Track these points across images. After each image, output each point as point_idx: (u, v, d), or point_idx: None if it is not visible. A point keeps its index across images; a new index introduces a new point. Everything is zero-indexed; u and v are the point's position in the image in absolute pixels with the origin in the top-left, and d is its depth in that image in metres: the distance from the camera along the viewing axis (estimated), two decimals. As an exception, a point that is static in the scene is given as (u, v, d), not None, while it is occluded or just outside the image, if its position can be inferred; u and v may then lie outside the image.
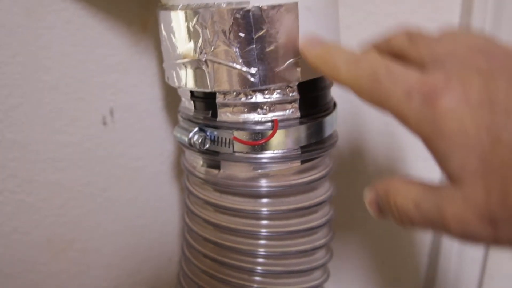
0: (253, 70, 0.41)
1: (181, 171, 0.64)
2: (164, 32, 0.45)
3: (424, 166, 0.64)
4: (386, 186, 0.34)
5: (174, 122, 0.61)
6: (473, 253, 0.71)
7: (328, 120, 0.46)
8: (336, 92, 0.49)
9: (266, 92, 0.42)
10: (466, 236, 0.29)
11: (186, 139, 0.45)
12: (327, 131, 0.47)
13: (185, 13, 0.41)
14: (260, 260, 0.47)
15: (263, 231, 0.47)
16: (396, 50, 0.35)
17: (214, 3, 0.40)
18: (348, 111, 0.66)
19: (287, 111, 0.44)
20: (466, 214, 0.28)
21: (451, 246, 0.71)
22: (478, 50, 0.31)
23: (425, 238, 0.74)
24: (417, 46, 0.34)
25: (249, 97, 0.43)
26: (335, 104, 0.49)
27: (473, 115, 0.28)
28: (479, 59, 0.30)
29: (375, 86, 0.32)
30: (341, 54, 0.35)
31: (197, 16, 0.40)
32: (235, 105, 0.43)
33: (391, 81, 0.31)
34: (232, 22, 0.39)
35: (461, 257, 0.71)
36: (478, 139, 0.28)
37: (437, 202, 0.30)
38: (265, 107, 0.43)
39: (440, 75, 0.30)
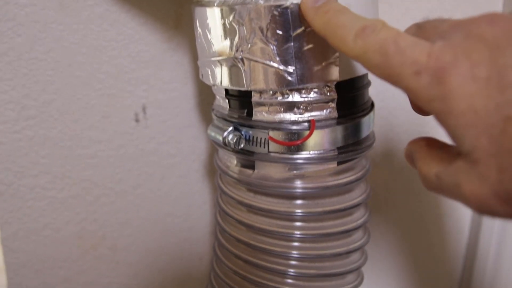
0: (291, 69, 0.40)
1: (213, 169, 0.64)
2: (199, 29, 0.44)
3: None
4: (415, 149, 0.35)
5: (206, 120, 0.61)
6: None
7: (365, 120, 0.45)
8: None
9: (303, 91, 0.41)
10: (484, 211, 0.29)
11: (221, 138, 0.44)
12: (364, 132, 0.46)
13: (221, 9, 0.40)
14: (293, 262, 0.47)
15: (297, 233, 0.46)
16: None
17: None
18: (381, 111, 0.65)
19: (324, 111, 0.43)
20: (482, 191, 0.28)
21: (487, 248, 0.70)
22: (480, 19, 0.30)
23: (460, 240, 0.73)
24: (425, 29, 0.34)
25: (285, 96, 0.42)
26: (372, 104, 0.48)
27: (482, 93, 0.27)
28: (483, 27, 0.29)
29: (384, 61, 0.31)
30: (350, 24, 0.34)
31: (233, 13, 0.39)
32: (271, 104, 0.42)
33: (399, 57, 0.30)
34: (270, 19, 0.38)
35: (498, 260, 0.69)
36: (488, 118, 0.27)
37: (455, 177, 0.30)
38: (302, 107, 0.42)
39: (447, 50, 0.29)
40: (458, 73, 0.28)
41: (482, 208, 0.29)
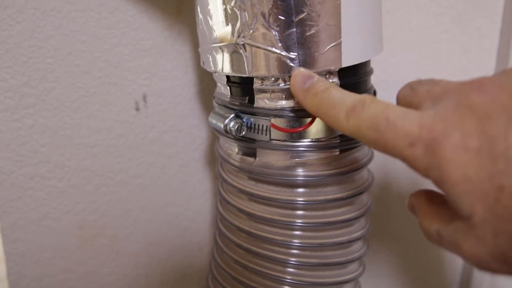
0: (293, 55, 0.39)
1: (213, 158, 0.63)
2: (200, 15, 0.44)
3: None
4: (416, 203, 0.36)
5: (207, 108, 0.61)
6: None
7: (368, 108, 0.45)
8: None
9: (305, 77, 0.41)
10: (483, 269, 0.31)
11: (222, 125, 0.44)
12: (367, 120, 0.45)
13: (223, -5, 0.40)
14: (295, 251, 0.46)
15: (298, 222, 0.45)
16: (401, 101, 0.37)
17: (254, -16, 0.38)
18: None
19: (327, 98, 0.42)
20: (480, 251, 0.30)
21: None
22: (470, 86, 0.31)
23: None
24: (417, 91, 0.35)
25: (287, 82, 0.41)
26: (375, 92, 0.48)
27: (474, 163, 0.28)
28: (473, 95, 0.30)
29: (378, 136, 0.32)
30: (339, 103, 0.35)
31: (235, -2, 0.39)
32: (273, 91, 0.42)
33: (392, 131, 0.31)
34: (272, 5, 0.38)
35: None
36: (482, 187, 0.28)
37: (454, 236, 0.31)
38: (304, 93, 0.42)
39: (438, 120, 0.30)
40: (450, 144, 0.29)
41: (481, 266, 0.30)
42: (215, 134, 0.50)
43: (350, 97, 0.35)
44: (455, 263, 0.74)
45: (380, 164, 0.66)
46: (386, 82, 0.63)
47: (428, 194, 0.36)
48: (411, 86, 0.36)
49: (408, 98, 0.36)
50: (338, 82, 0.42)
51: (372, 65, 0.47)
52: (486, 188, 0.28)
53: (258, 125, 0.43)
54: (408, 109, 0.32)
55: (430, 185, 0.38)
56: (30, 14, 0.50)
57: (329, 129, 0.43)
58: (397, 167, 0.68)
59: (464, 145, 0.29)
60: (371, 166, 0.49)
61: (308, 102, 0.38)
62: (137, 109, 0.57)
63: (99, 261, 0.62)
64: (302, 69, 0.39)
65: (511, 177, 0.27)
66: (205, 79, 0.59)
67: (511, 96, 0.29)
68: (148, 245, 0.64)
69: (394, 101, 0.64)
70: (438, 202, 0.34)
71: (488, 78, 0.31)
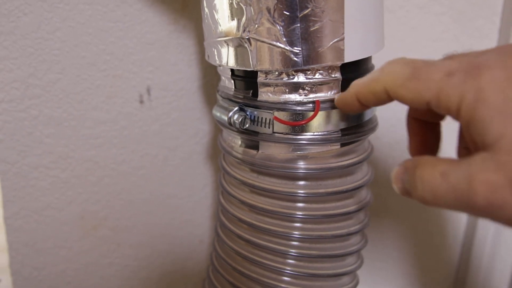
0: (297, 50, 0.40)
1: (215, 151, 0.64)
2: (206, 9, 0.44)
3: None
4: (416, 160, 0.33)
5: (210, 102, 0.61)
6: (507, 244, 0.70)
7: (368, 103, 0.46)
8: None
9: (308, 72, 0.42)
10: (492, 202, 0.28)
11: (226, 118, 0.44)
12: (368, 115, 0.46)
13: (229, -11, 0.41)
14: (295, 243, 0.47)
15: (299, 214, 0.46)
16: None
17: (260, -21, 0.39)
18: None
19: (329, 92, 0.43)
20: (497, 178, 0.28)
21: (485, 236, 0.70)
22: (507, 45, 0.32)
23: (458, 227, 0.73)
24: (455, 57, 0.35)
25: (291, 77, 0.42)
26: (376, 88, 0.48)
27: None
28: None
29: (413, 73, 0.33)
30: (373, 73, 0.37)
31: (241, -8, 0.40)
32: (276, 85, 0.43)
33: (429, 66, 0.32)
34: (277, 0, 0.39)
35: (495, 249, 0.70)
36: None
37: (466, 170, 0.29)
38: (307, 88, 0.42)
39: (481, 56, 0.31)
40: (493, 71, 0.29)
41: (492, 198, 0.28)
42: (219, 126, 0.50)
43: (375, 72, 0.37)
44: (452, 259, 0.75)
45: (379, 160, 0.67)
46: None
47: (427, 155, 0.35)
48: (448, 55, 0.35)
49: None
50: (340, 77, 0.43)
51: (373, 62, 0.47)
52: None
53: (262, 118, 0.44)
54: None
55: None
56: (37, 6, 0.50)
57: (331, 123, 0.43)
58: (396, 162, 0.69)
59: (507, 75, 0.29)
60: (370, 161, 0.50)
61: (350, 90, 0.39)
62: (141, 101, 0.58)
63: (100, 252, 0.63)
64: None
65: None
66: (209, 73, 0.60)
67: None
68: (149, 237, 0.65)
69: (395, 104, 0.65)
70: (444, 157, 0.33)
71: None
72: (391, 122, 0.67)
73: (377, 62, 0.48)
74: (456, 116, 0.31)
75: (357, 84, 0.38)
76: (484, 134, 0.29)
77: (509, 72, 0.29)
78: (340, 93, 0.41)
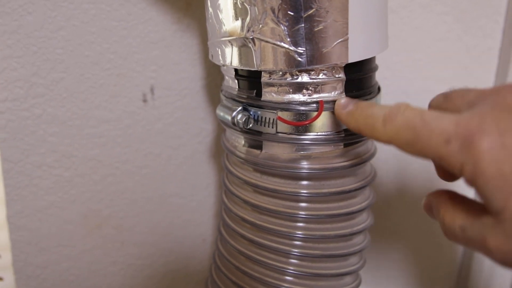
0: (301, 50, 0.40)
1: (218, 151, 0.64)
2: (210, 9, 0.44)
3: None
4: (437, 201, 0.37)
5: (213, 101, 0.61)
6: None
7: (372, 103, 0.46)
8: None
9: (312, 72, 0.42)
10: (508, 265, 0.31)
11: (229, 118, 0.44)
12: (371, 115, 0.46)
13: (234, -11, 0.41)
14: (298, 242, 0.47)
15: (302, 214, 0.46)
16: (435, 109, 0.38)
17: (264, -21, 0.39)
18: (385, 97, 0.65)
19: (333, 92, 0.43)
20: (506, 247, 0.30)
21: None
22: (505, 89, 0.33)
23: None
24: (451, 98, 0.37)
25: (295, 77, 0.42)
26: (379, 89, 0.48)
27: (510, 161, 0.29)
28: (509, 97, 0.32)
29: (413, 136, 0.33)
30: (377, 113, 0.37)
31: (245, -8, 0.40)
32: (280, 85, 0.43)
33: (428, 130, 0.32)
34: (282, 0, 0.39)
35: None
36: None
37: (481, 231, 0.32)
38: (310, 88, 0.42)
39: (475, 117, 0.31)
40: (487, 140, 0.30)
41: (506, 262, 0.31)
42: (222, 126, 0.50)
43: (386, 106, 0.37)
44: (454, 259, 0.75)
45: (382, 160, 0.67)
46: (390, 80, 0.64)
47: (450, 193, 0.37)
48: (445, 95, 0.38)
49: (443, 106, 0.37)
50: (344, 77, 0.43)
51: (376, 62, 0.47)
52: None
53: (265, 118, 0.44)
54: (444, 112, 0.33)
55: (440, 185, 0.39)
56: (41, 5, 0.50)
57: (335, 123, 0.43)
58: (398, 163, 0.69)
59: (501, 142, 0.29)
60: (373, 162, 0.50)
61: (349, 119, 0.40)
62: (145, 100, 0.58)
63: (103, 251, 0.63)
64: (344, 97, 0.42)
65: None
66: (212, 73, 0.60)
67: None
68: (152, 236, 0.65)
69: (399, 99, 0.65)
70: (462, 201, 0.35)
71: None
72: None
73: (380, 62, 0.48)
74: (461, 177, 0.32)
75: (361, 122, 0.39)
76: (488, 203, 0.31)
77: (503, 138, 0.29)
78: (347, 108, 0.41)
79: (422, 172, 0.69)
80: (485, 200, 0.31)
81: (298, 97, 0.43)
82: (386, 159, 0.68)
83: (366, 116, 0.38)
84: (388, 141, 0.36)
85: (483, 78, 0.66)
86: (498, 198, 0.29)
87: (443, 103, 0.37)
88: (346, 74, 0.43)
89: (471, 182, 0.31)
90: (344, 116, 0.41)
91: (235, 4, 0.41)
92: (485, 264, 0.71)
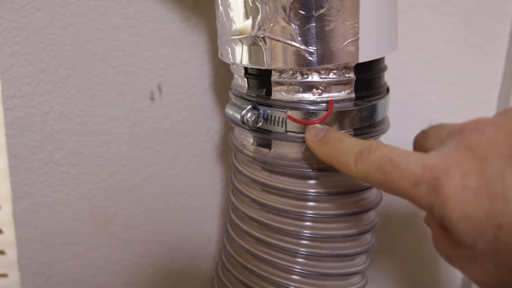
0: (311, 49, 0.40)
1: (225, 149, 0.64)
2: (220, 7, 0.44)
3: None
4: (429, 225, 0.38)
5: (221, 100, 0.61)
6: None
7: (381, 104, 0.46)
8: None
9: (322, 72, 0.42)
10: None
11: (239, 116, 0.44)
12: (380, 115, 0.46)
13: (245, -12, 0.41)
14: (305, 242, 0.47)
15: (310, 213, 0.46)
16: (416, 146, 0.39)
17: (276, -22, 0.39)
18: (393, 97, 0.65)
19: (343, 92, 0.43)
20: (483, 278, 0.32)
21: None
22: (469, 127, 0.33)
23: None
24: (428, 136, 0.37)
25: (305, 76, 0.42)
26: (388, 89, 0.48)
27: (473, 203, 0.30)
28: (472, 137, 0.32)
29: (384, 178, 0.34)
30: (348, 150, 0.38)
31: (257, -9, 0.40)
32: (290, 84, 0.43)
33: (397, 173, 0.33)
34: (293, -1, 0.39)
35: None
36: (481, 226, 0.30)
37: (461, 261, 0.33)
38: (320, 87, 0.42)
39: (440, 160, 0.32)
40: (450, 183, 0.30)
41: None
42: (230, 125, 0.50)
43: (358, 143, 0.38)
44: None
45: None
46: (397, 80, 0.63)
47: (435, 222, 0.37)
48: (423, 132, 0.39)
49: (420, 142, 0.38)
50: (354, 77, 0.43)
51: (386, 63, 0.47)
52: (485, 226, 0.30)
53: (275, 116, 0.44)
54: (412, 152, 0.34)
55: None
56: (50, 2, 0.51)
57: (344, 122, 0.43)
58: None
59: (464, 184, 0.30)
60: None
61: (321, 151, 0.41)
62: (152, 98, 0.58)
63: (109, 248, 0.63)
64: (316, 124, 0.42)
65: (509, 216, 0.29)
66: (220, 71, 0.60)
67: (507, 136, 0.31)
68: (158, 234, 0.65)
69: (406, 99, 0.65)
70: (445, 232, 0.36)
71: (486, 119, 0.33)
72: (399, 123, 0.67)
73: (388, 63, 0.48)
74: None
75: (333, 158, 0.39)
76: (459, 241, 0.32)
77: (465, 180, 0.30)
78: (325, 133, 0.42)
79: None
80: (456, 239, 0.32)
81: (308, 96, 0.43)
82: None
83: (339, 151, 0.39)
84: (361, 180, 0.37)
85: (490, 80, 0.66)
86: (467, 238, 0.31)
87: (421, 139, 0.38)
88: (356, 74, 0.43)
89: (441, 222, 0.32)
90: (315, 146, 0.41)
91: (246, 2, 0.41)
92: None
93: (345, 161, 0.38)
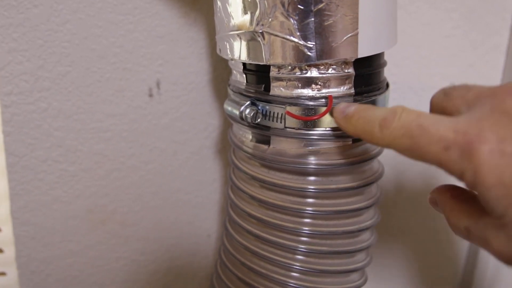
0: (310, 44, 0.40)
1: (224, 146, 0.64)
2: (219, 3, 0.44)
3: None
4: (441, 199, 0.38)
5: (220, 96, 0.61)
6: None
7: (380, 99, 0.45)
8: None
9: (321, 67, 0.42)
10: (510, 264, 0.32)
11: (237, 112, 0.44)
12: (380, 111, 0.46)
13: (243, -18, 0.40)
14: (304, 239, 0.47)
15: (309, 209, 0.46)
16: (435, 107, 0.38)
17: (274, -28, 0.39)
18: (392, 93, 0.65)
19: (342, 87, 0.43)
20: (509, 249, 0.31)
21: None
22: (504, 91, 0.32)
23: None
24: (451, 97, 0.36)
25: (304, 71, 0.42)
26: (387, 85, 0.48)
27: (510, 168, 0.29)
28: (507, 101, 0.31)
29: (412, 143, 0.33)
30: (373, 118, 0.37)
31: (255, -14, 0.39)
32: (289, 80, 0.42)
33: (426, 137, 0.32)
34: (292, -6, 0.38)
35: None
36: None
37: (484, 232, 0.32)
38: (319, 83, 0.42)
39: (473, 124, 0.31)
40: (486, 148, 0.29)
41: (508, 262, 0.32)
42: (228, 121, 0.50)
43: (382, 110, 0.37)
44: (459, 257, 0.75)
45: (389, 156, 0.66)
46: (397, 76, 0.63)
47: (453, 191, 0.37)
48: (445, 92, 0.37)
49: (443, 103, 0.37)
50: (354, 72, 0.42)
51: (385, 58, 0.47)
52: None
53: (273, 112, 0.43)
54: (441, 116, 0.33)
55: (444, 180, 0.38)
56: (47, -2, 0.50)
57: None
58: (404, 160, 0.69)
59: (500, 149, 0.29)
60: (380, 158, 0.50)
61: (348, 125, 0.40)
62: (151, 95, 0.58)
63: (108, 246, 0.63)
64: (341, 102, 0.41)
65: None
66: (219, 67, 0.59)
67: None
68: (157, 231, 0.65)
69: (405, 95, 0.65)
70: (465, 199, 0.35)
71: None
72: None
73: (387, 58, 0.47)
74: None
75: (359, 128, 0.39)
76: (489, 209, 0.31)
77: (502, 146, 0.29)
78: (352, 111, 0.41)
79: (427, 169, 0.68)
80: (486, 206, 0.31)
81: (307, 91, 0.42)
82: (394, 155, 0.67)
83: (364, 121, 0.38)
84: (387, 146, 0.36)
85: (490, 75, 0.66)
86: (498, 205, 0.30)
87: (443, 100, 0.37)
88: (355, 69, 0.42)
89: (472, 188, 0.31)
90: (342, 122, 0.40)
91: (244, -3, 0.41)
92: (490, 263, 0.71)
93: (370, 129, 0.37)
